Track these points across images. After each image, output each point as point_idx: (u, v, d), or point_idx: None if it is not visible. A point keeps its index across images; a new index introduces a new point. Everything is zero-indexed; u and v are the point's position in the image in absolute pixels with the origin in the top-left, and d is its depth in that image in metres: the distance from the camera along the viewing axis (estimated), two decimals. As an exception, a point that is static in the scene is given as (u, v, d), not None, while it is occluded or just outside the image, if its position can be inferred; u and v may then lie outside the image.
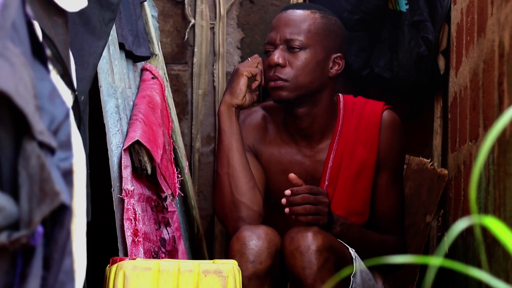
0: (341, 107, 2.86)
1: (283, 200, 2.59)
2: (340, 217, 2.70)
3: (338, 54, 2.81)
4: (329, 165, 2.81)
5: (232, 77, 2.81)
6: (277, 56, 2.74)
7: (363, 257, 2.68)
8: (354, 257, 2.61)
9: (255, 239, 2.53)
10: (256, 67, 2.79)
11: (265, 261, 2.51)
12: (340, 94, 2.90)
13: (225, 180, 2.74)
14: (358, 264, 2.62)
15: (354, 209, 2.80)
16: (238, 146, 2.76)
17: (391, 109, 2.87)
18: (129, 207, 2.60)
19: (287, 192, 2.59)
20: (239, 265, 2.37)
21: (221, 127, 2.78)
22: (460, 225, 1.07)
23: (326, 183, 2.80)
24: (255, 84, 2.79)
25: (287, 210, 2.59)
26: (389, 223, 2.82)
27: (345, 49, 2.88)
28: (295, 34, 2.75)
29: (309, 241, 2.49)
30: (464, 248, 2.53)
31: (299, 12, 2.79)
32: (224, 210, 2.75)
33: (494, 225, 1.07)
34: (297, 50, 2.74)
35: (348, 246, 2.64)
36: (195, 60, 3.49)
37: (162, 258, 2.72)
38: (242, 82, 2.77)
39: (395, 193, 2.83)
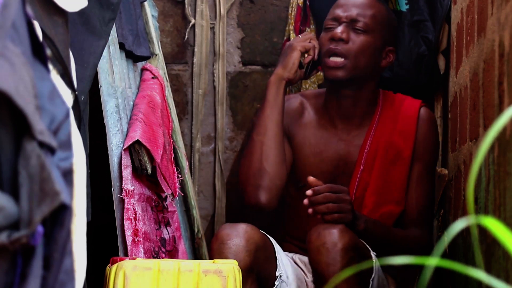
0: (380, 97, 2.93)
1: (305, 201, 2.61)
2: (363, 214, 2.72)
3: (391, 48, 2.89)
4: (366, 150, 2.85)
5: (285, 51, 2.85)
6: (342, 30, 2.80)
7: (388, 253, 2.69)
8: (374, 260, 2.62)
9: (234, 238, 2.54)
10: (309, 42, 2.84)
11: (244, 259, 2.51)
12: (380, 89, 2.96)
13: (257, 147, 2.79)
14: (378, 267, 2.63)
15: (390, 197, 2.83)
16: (278, 118, 2.81)
17: (427, 107, 2.94)
18: (129, 207, 2.60)
19: (309, 192, 2.61)
20: None
21: (266, 97, 2.82)
22: (458, 225, 1.07)
23: (362, 167, 2.84)
24: (307, 59, 2.84)
25: (310, 210, 2.60)
26: (417, 216, 2.84)
27: (396, 45, 2.96)
28: (362, 16, 2.82)
29: (336, 238, 2.49)
30: (465, 248, 2.53)
31: None
32: (248, 175, 2.79)
33: (494, 225, 1.07)
34: (360, 31, 2.81)
35: (369, 248, 2.64)
36: (195, 60, 3.49)
37: (162, 258, 2.72)
38: (296, 57, 2.82)
39: (426, 187, 2.87)
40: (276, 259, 2.68)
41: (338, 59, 2.78)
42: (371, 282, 2.59)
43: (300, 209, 2.77)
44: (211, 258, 2.53)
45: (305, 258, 2.79)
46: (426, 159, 2.88)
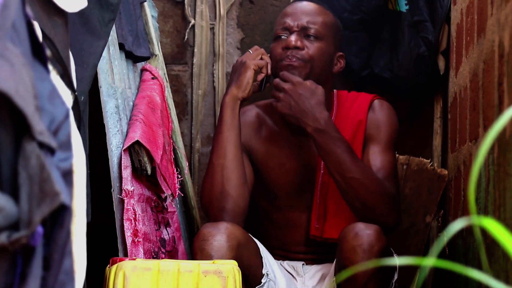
0: (335, 99, 2.94)
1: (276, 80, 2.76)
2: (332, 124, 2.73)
3: (341, 54, 2.91)
4: None
5: (238, 70, 2.84)
6: (296, 39, 2.81)
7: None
8: (397, 264, 2.63)
9: (216, 235, 2.55)
10: (261, 59, 2.82)
11: (227, 255, 2.52)
12: (334, 90, 2.97)
13: (218, 171, 2.77)
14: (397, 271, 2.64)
15: None
16: (237, 140, 2.79)
17: (382, 99, 2.93)
18: (129, 207, 2.60)
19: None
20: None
21: (223, 118, 2.80)
22: (457, 225, 1.07)
23: (322, 171, 2.83)
24: (260, 76, 2.85)
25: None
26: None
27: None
28: (313, 23, 2.84)
29: (374, 241, 2.49)
30: (464, 248, 2.53)
31: (315, 5, 2.90)
32: (210, 198, 2.77)
33: (493, 226, 1.07)
34: (313, 38, 2.83)
35: (393, 251, 2.64)
36: (195, 60, 3.49)
37: (162, 258, 2.72)
38: (249, 75, 2.81)
39: (382, 159, 2.81)
40: (261, 258, 2.69)
41: (294, 61, 2.79)
42: (393, 283, 2.59)
43: (275, 220, 2.82)
44: (193, 257, 2.53)
45: (294, 263, 2.81)
46: (379, 138, 2.85)
